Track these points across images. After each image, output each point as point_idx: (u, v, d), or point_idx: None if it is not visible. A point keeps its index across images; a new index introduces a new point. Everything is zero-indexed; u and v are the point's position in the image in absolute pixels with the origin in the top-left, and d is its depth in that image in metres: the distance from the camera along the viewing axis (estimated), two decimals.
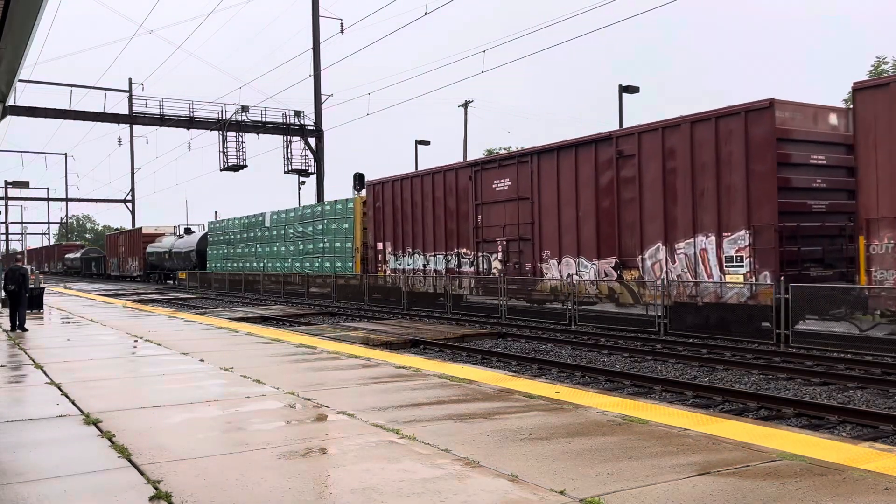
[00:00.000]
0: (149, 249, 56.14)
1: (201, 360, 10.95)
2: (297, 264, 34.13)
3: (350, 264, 29.53)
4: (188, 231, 54.14)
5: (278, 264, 36.23)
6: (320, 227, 32.05)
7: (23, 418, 7.07)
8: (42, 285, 26.04)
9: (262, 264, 38.34)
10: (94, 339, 14.60)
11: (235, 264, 41.85)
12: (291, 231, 34.91)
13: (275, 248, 36.71)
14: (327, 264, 31.38)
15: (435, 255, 24.32)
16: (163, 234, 57.07)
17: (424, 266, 24.83)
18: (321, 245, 32.02)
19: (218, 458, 5.52)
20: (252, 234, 39.72)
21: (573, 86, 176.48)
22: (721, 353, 13.85)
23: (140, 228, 59.83)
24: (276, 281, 36.32)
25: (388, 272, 26.79)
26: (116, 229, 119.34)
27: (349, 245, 29.77)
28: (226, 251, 43.45)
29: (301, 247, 33.91)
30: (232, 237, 42.65)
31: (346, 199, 30.50)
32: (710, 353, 13.86)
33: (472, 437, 6.01)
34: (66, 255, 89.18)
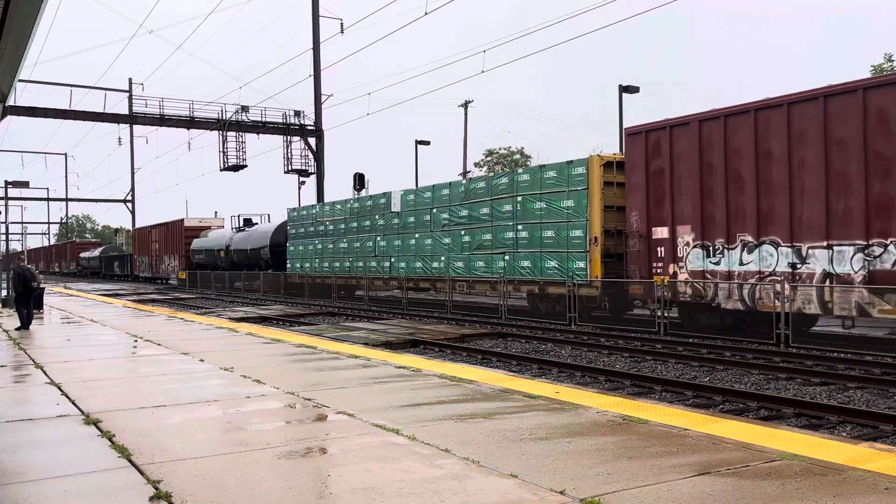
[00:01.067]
0: (194, 246, 46.01)
1: (201, 360, 10.95)
2: (460, 263, 23.65)
3: (581, 263, 18.98)
4: (248, 222, 43.32)
5: (419, 263, 25.97)
6: (507, 207, 21.67)
7: (23, 418, 7.07)
8: (42, 285, 26.01)
9: (385, 263, 28.05)
10: (93, 339, 14.60)
11: (337, 264, 31.39)
12: (446, 216, 24.50)
13: (411, 242, 26.47)
14: (524, 263, 20.85)
15: (829, 247, 13.96)
16: (208, 227, 47.95)
17: (794, 267, 14.51)
18: (509, 235, 21.54)
19: (218, 458, 5.52)
20: (366, 224, 29.56)
21: (576, 86, 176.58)
22: (721, 353, 13.86)
23: (181, 220, 49.31)
24: (417, 286, 26.65)
25: (683, 277, 16.70)
26: (117, 230, 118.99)
27: (577, 234, 19.18)
28: (319, 247, 33.01)
29: (466, 238, 23.50)
30: (330, 228, 32.37)
31: (568, 163, 19.67)
32: (710, 353, 13.86)
33: (473, 437, 6.01)
34: (81, 254, 79.39)
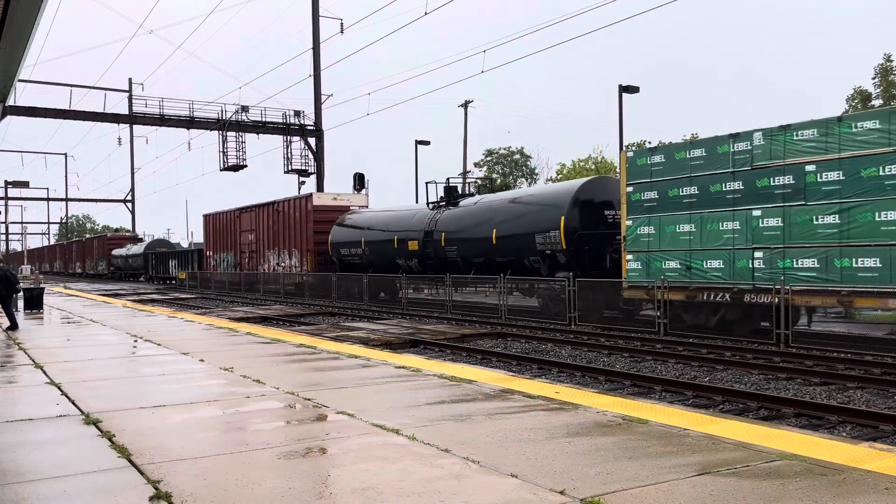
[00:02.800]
0: (336, 236, 30.34)
1: (201, 360, 10.95)
2: None
3: None
4: (452, 192, 26.01)
5: None
6: None
7: (23, 418, 7.07)
8: (42, 285, 26.03)
9: None
10: (93, 338, 14.60)
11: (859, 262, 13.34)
12: None
13: None
14: None
15: None
16: (346, 208, 32.37)
17: None
18: None
19: (218, 458, 5.52)
20: None
21: (576, 86, 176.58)
22: (721, 353, 13.85)
23: (308, 196, 33.36)
24: None
25: None
26: (116, 230, 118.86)
27: None
28: (770, 224, 14.74)
29: None
30: (833, 178, 13.68)
31: None
32: (709, 353, 13.86)
33: (472, 437, 6.01)
34: (115, 252, 62.92)
